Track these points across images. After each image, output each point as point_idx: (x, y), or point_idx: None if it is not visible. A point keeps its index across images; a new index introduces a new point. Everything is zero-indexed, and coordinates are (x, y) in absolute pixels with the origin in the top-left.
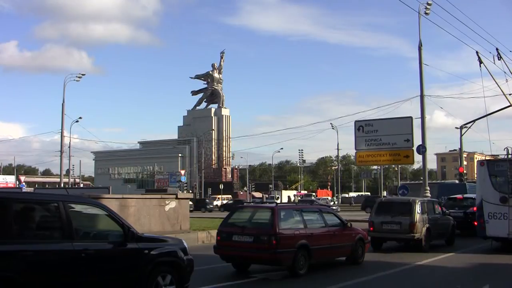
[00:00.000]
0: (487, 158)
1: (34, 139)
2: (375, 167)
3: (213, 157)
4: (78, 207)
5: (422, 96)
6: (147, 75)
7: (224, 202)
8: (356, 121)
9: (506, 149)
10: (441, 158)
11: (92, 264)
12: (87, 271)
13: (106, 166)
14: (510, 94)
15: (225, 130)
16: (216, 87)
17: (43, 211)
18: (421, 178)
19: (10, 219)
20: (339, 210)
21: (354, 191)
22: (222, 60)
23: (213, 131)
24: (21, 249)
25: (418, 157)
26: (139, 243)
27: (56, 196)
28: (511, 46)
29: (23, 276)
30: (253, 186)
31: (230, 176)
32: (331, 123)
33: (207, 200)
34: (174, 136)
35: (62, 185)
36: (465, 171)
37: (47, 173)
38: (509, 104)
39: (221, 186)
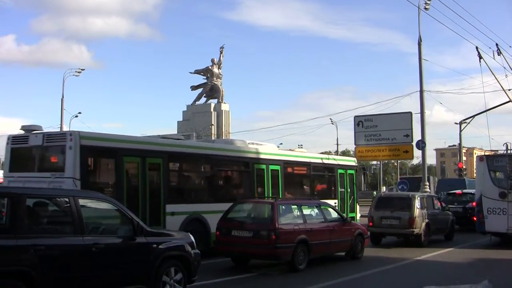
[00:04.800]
0: (487, 153)
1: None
2: (374, 162)
3: None
4: (87, 202)
5: (421, 92)
6: (147, 70)
7: None
8: (355, 117)
9: (505, 144)
10: (441, 153)
11: (102, 258)
12: (97, 265)
13: None
14: (509, 90)
15: (224, 125)
16: (216, 82)
17: (54, 206)
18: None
19: (23, 214)
20: None
21: None
22: (221, 55)
23: (213, 126)
24: (34, 244)
25: (417, 153)
26: (148, 237)
27: (66, 191)
28: (511, 41)
29: (36, 270)
30: None
31: None
32: (330, 119)
33: None
34: (174, 131)
35: None
36: (464, 167)
37: None
38: (508, 100)
39: None
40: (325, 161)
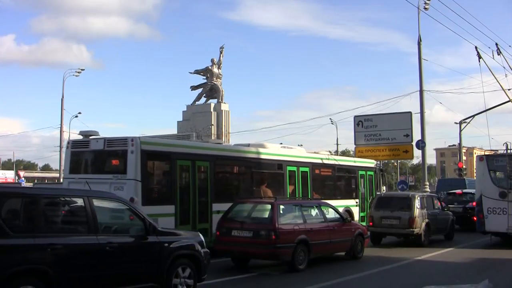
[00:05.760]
0: (487, 153)
1: (33, 134)
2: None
3: None
4: (101, 202)
5: (421, 91)
6: (146, 70)
7: None
8: (355, 116)
9: (505, 144)
10: (440, 153)
11: (116, 257)
12: (111, 264)
13: None
14: (509, 89)
15: (224, 125)
16: (216, 82)
17: (69, 206)
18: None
19: (40, 214)
20: None
21: None
22: (221, 55)
23: (213, 126)
24: (51, 243)
25: (417, 152)
26: (160, 236)
27: (81, 192)
28: (510, 41)
29: (53, 268)
30: None
31: None
32: (330, 118)
33: None
34: (174, 131)
35: (61, 180)
36: (464, 166)
37: (46, 168)
38: (508, 99)
39: None
40: (348, 163)
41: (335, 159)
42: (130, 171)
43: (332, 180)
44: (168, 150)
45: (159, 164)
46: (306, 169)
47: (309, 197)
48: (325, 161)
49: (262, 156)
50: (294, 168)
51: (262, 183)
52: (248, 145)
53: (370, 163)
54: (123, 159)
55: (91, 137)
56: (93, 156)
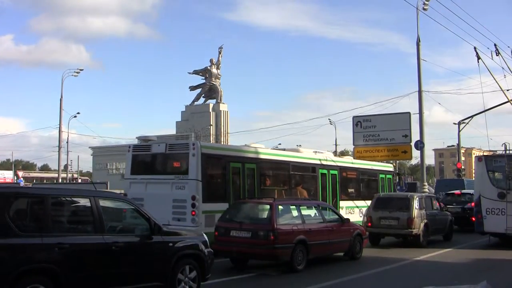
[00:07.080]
0: (485, 153)
1: (32, 134)
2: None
3: None
4: (107, 202)
5: (420, 92)
6: (145, 70)
7: None
8: (354, 117)
9: (504, 144)
10: (439, 153)
11: (122, 256)
12: (117, 263)
13: (104, 162)
14: (508, 90)
15: (223, 126)
16: (214, 83)
17: (76, 206)
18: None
19: (48, 214)
20: None
21: None
22: (220, 55)
23: (211, 127)
24: (58, 242)
25: (416, 153)
26: (164, 236)
27: (87, 192)
28: (509, 42)
29: (61, 267)
30: None
31: None
32: (329, 119)
33: None
34: (172, 131)
35: (60, 180)
36: (463, 167)
37: (45, 168)
38: (507, 100)
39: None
40: (370, 167)
41: (360, 163)
42: (192, 172)
43: (356, 182)
44: (223, 154)
45: (215, 165)
46: (335, 172)
47: (338, 197)
48: (351, 165)
49: (299, 160)
50: (325, 171)
51: (298, 184)
52: (284, 149)
53: (389, 167)
54: (185, 161)
55: (149, 142)
56: (155, 159)
